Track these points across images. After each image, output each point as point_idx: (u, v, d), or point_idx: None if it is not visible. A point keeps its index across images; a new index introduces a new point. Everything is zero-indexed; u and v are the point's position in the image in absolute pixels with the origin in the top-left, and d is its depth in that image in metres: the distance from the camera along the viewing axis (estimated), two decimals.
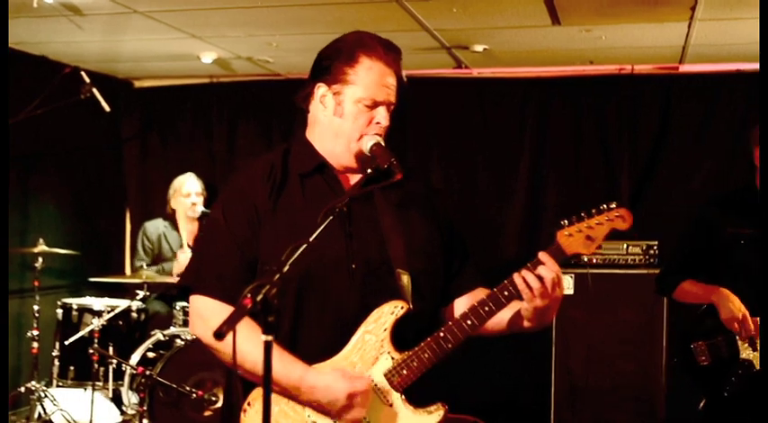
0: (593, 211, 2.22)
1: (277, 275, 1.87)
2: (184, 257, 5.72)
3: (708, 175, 5.57)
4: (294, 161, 2.33)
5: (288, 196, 2.28)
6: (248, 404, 2.21)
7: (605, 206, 2.22)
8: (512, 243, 5.98)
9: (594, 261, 5.17)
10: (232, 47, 5.57)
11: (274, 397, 2.15)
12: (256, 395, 2.19)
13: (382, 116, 2.27)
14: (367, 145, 2.26)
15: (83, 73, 5.09)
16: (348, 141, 2.28)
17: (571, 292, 5.12)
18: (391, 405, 2.21)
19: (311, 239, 1.99)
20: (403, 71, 2.34)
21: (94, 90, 5.13)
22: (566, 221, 2.21)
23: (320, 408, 2.17)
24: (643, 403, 4.97)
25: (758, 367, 3.45)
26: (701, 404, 3.55)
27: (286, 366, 2.14)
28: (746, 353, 3.48)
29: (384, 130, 2.29)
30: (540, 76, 5.99)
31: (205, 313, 2.25)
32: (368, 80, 2.25)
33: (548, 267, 2.15)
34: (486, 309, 2.20)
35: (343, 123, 2.27)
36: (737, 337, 3.48)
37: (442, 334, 2.20)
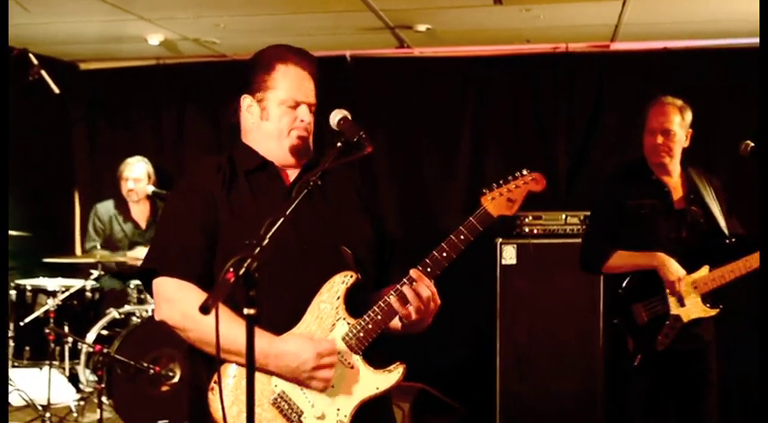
0: (510, 177, 2.45)
1: (257, 249, 1.95)
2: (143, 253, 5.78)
3: (640, 149, 5.81)
4: (239, 161, 2.48)
5: (237, 190, 2.42)
6: (214, 382, 2.27)
7: (520, 173, 2.47)
8: (456, 218, 6.10)
9: (535, 231, 5.38)
10: (180, 28, 5.61)
11: (241, 371, 2.25)
12: (223, 373, 2.27)
13: (305, 113, 2.46)
14: (334, 119, 2.40)
15: (31, 55, 5.09)
16: (280, 139, 2.46)
17: (514, 261, 5.33)
18: (352, 367, 2.32)
19: (287, 213, 2.10)
20: (347, 52, 2.52)
21: (43, 72, 5.14)
22: (487, 189, 2.42)
23: (289, 372, 2.27)
24: (584, 367, 5.21)
25: (685, 321, 3.81)
26: (637, 360, 3.82)
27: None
28: (676, 309, 3.82)
29: (307, 126, 2.47)
30: (479, 55, 6.17)
31: (172, 294, 2.32)
32: (286, 83, 2.44)
33: (422, 284, 2.31)
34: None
35: (271, 125, 2.46)
36: (668, 296, 3.81)
37: (393, 296, 2.33)
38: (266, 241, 2.00)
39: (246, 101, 2.49)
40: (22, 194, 6.24)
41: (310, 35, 5.41)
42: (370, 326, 2.33)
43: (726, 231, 3.90)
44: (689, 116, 3.99)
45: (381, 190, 6.14)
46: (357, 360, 2.33)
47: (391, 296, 2.33)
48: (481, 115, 6.14)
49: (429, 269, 2.34)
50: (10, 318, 5.46)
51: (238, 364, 2.27)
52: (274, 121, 2.46)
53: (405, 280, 2.33)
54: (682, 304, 3.81)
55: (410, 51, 6.25)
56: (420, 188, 6.17)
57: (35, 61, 5.13)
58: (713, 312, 3.83)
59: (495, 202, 2.42)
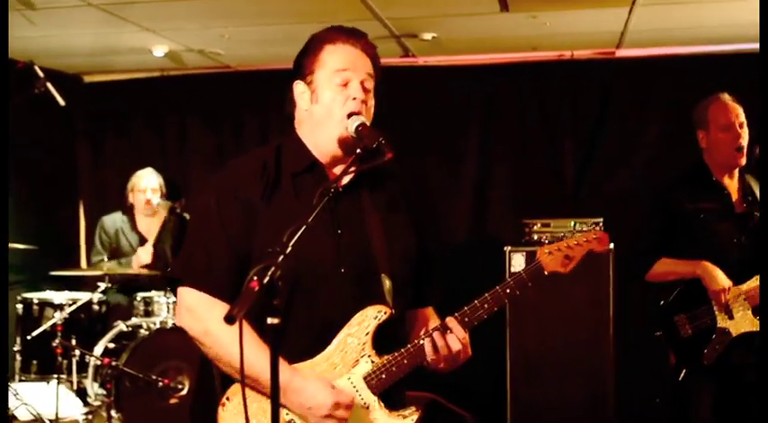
0: (573, 232, 2.38)
1: (281, 257, 1.89)
2: (144, 254, 5.76)
3: (647, 155, 5.82)
4: (286, 159, 2.35)
5: (280, 195, 2.30)
6: (227, 399, 2.22)
7: (586, 229, 2.39)
8: (461, 228, 6.14)
9: (543, 239, 5.36)
10: (184, 39, 5.61)
11: (255, 394, 2.19)
12: (236, 390, 2.20)
13: (356, 89, 2.30)
14: (352, 126, 2.27)
15: (36, 67, 5.07)
16: (332, 124, 2.30)
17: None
18: (368, 407, 2.25)
19: (309, 220, 2.01)
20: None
21: (49, 84, 5.11)
22: (546, 241, 2.36)
23: (301, 411, 2.20)
24: (594, 375, 5.18)
25: (734, 335, 3.60)
26: (681, 375, 3.68)
27: None
28: (723, 322, 3.62)
29: (361, 103, 2.30)
30: (485, 63, 6.16)
31: (194, 306, 2.27)
32: (333, 61, 2.31)
33: (456, 335, 2.25)
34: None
35: (321, 107, 2.31)
36: (714, 308, 3.63)
37: (423, 342, 2.26)
38: (289, 249, 1.92)
39: (299, 87, 2.37)
40: (27, 207, 6.22)
41: None
42: (394, 369, 2.25)
43: None
44: None
45: None
46: (374, 401, 2.26)
47: (422, 342, 2.25)
48: (487, 123, 6.13)
49: (466, 319, 2.28)
50: (17, 332, 5.42)
51: (253, 388, 2.20)
52: (324, 103, 2.31)
53: (439, 326, 2.26)
54: (730, 317, 3.60)
55: (415, 60, 6.25)
56: (426, 198, 6.14)
57: (41, 74, 5.11)
58: None
59: (551, 258, 2.35)
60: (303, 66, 2.36)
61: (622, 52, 5.97)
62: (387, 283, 2.28)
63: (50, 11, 4.83)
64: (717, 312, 3.62)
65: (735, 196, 3.81)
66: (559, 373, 5.21)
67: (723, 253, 3.66)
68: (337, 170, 2.35)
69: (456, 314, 2.27)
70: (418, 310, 2.48)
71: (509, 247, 5.29)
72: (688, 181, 3.89)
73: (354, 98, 2.29)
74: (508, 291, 2.30)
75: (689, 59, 5.81)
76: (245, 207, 2.27)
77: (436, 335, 2.24)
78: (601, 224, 5.34)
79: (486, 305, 2.28)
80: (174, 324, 5.09)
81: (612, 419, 5.09)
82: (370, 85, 2.35)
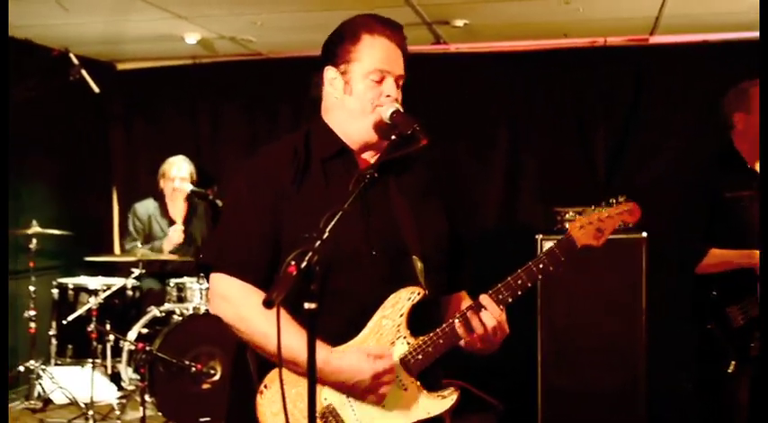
0: (603, 204, 2.30)
1: (318, 242, 1.88)
2: (175, 233, 5.83)
3: (680, 143, 5.76)
4: (315, 145, 2.34)
5: (310, 181, 2.28)
6: (265, 386, 2.21)
7: (614, 200, 2.30)
8: (492, 216, 6.13)
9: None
10: (216, 26, 5.63)
11: (293, 378, 2.18)
12: (273, 377, 2.18)
13: (391, 88, 2.30)
14: (387, 113, 2.27)
15: (72, 55, 5.13)
16: (363, 115, 2.30)
17: None
18: (406, 389, 2.22)
19: (346, 206, 2.00)
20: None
21: (83, 72, 5.17)
22: (576, 214, 2.29)
23: (343, 388, 2.19)
24: (627, 362, 5.15)
25: None
26: (731, 367, 3.60)
27: None
28: None
29: (394, 101, 2.30)
30: (516, 50, 6.12)
31: (228, 293, 2.25)
32: (372, 55, 2.28)
33: (490, 313, 2.20)
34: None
35: (355, 100, 2.30)
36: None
37: (457, 321, 2.23)
38: (326, 235, 1.92)
39: (330, 73, 2.34)
40: (62, 194, 6.31)
41: None
42: (430, 349, 2.22)
43: None
44: None
45: None
46: (411, 383, 2.23)
47: (456, 321, 2.22)
48: (518, 111, 6.10)
49: (500, 296, 2.23)
50: (52, 316, 5.51)
51: (291, 370, 2.18)
52: (358, 96, 2.30)
53: (473, 305, 2.23)
54: None
55: (446, 47, 6.23)
56: (457, 185, 6.13)
57: (76, 61, 5.16)
58: None
59: (583, 231, 2.28)
60: (337, 52, 2.32)
61: (656, 39, 5.90)
62: (419, 265, 2.26)
63: None
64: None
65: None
66: (591, 361, 5.17)
67: (756, 240, 3.54)
68: (366, 156, 2.35)
69: (489, 292, 2.24)
70: (452, 295, 2.46)
71: (540, 236, 5.26)
72: (723, 168, 3.80)
73: (389, 95, 2.30)
74: (541, 266, 2.25)
75: (723, 46, 5.74)
76: (276, 192, 2.26)
77: (470, 313, 2.21)
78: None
79: (519, 281, 2.24)
80: (206, 310, 5.14)
81: (644, 407, 5.06)
82: (401, 81, 2.35)
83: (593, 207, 2.29)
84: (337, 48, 2.33)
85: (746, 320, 3.60)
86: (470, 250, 2.50)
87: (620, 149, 5.92)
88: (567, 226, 2.29)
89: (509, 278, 2.24)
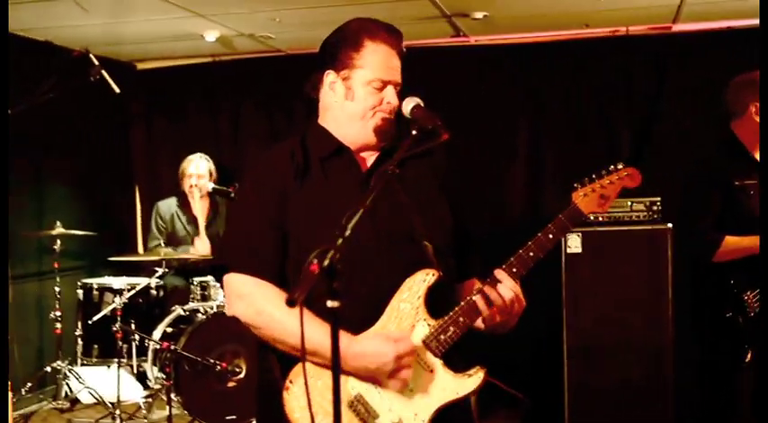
0: (603, 171, 2.33)
1: (340, 240, 1.87)
2: (201, 244, 5.82)
3: (705, 133, 5.67)
4: (312, 146, 2.37)
5: (311, 178, 2.31)
6: (290, 381, 2.20)
7: (614, 167, 2.34)
8: (515, 208, 6.09)
9: (600, 219, 5.28)
10: (235, 24, 5.62)
11: (317, 370, 2.18)
12: (297, 372, 2.18)
13: (391, 95, 2.34)
14: (407, 107, 2.30)
15: (92, 55, 5.13)
16: (364, 120, 2.34)
17: (579, 250, 5.23)
18: (432, 371, 2.22)
19: (368, 203, 2.00)
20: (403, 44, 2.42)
21: (103, 72, 5.16)
22: (578, 184, 2.32)
23: (368, 374, 2.19)
24: (654, 357, 5.09)
25: None
26: (748, 356, 3.58)
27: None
28: None
29: (393, 109, 2.35)
30: (536, 41, 6.07)
31: (243, 290, 2.27)
32: (374, 62, 2.32)
33: (506, 285, 2.23)
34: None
35: (356, 106, 2.34)
36: None
37: (476, 297, 2.24)
38: (348, 232, 1.92)
39: (330, 77, 2.36)
40: (84, 195, 6.34)
41: None
42: (451, 328, 2.22)
43: None
44: None
45: None
46: (437, 363, 2.23)
47: (474, 297, 2.23)
48: (540, 103, 6.05)
49: (514, 269, 2.25)
50: (78, 317, 5.53)
51: (314, 363, 2.18)
52: (359, 102, 2.34)
53: (488, 280, 2.24)
54: None
55: (466, 40, 6.18)
56: (478, 177, 6.09)
57: (96, 62, 5.16)
58: None
59: (587, 199, 2.32)
60: (338, 56, 2.35)
61: (679, 27, 5.82)
62: (429, 247, 2.28)
63: None
64: None
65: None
66: (618, 356, 5.13)
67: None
68: (365, 154, 2.39)
69: (503, 266, 2.26)
70: (464, 282, 2.48)
71: None
72: (728, 157, 3.77)
73: (389, 102, 2.34)
74: (551, 236, 2.27)
75: (749, 32, 5.64)
76: (279, 190, 2.30)
77: (487, 287, 2.23)
78: (659, 204, 5.27)
79: (531, 253, 2.26)
80: None
81: (672, 404, 5.01)
82: (399, 87, 2.39)
83: (593, 176, 2.34)
84: (338, 52, 2.35)
85: (759, 308, 3.58)
86: (479, 244, 2.53)
87: (643, 140, 5.85)
88: (572, 195, 2.33)
89: (520, 251, 2.27)
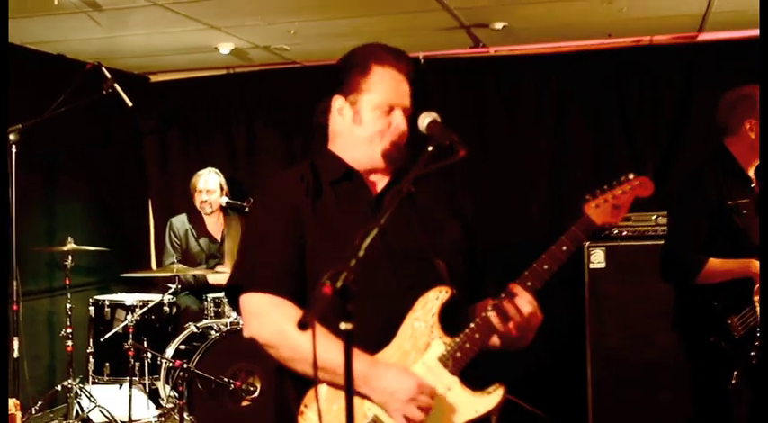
0: (615, 182, 2.31)
1: (354, 261, 1.83)
2: (217, 277, 5.72)
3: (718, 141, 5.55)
4: (322, 170, 2.38)
5: (322, 200, 2.32)
6: (305, 405, 2.19)
7: (626, 177, 2.31)
8: (537, 221, 5.96)
9: (624, 233, 5.15)
10: (250, 36, 5.56)
11: (333, 394, 2.15)
12: (312, 395, 2.18)
13: (399, 119, 2.34)
14: (423, 123, 2.27)
15: (104, 69, 5.08)
16: (372, 144, 2.35)
17: (603, 265, 5.11)
18: (450, 389, 2.18)
19: (382, 221, 1.96)
20: (420, 54, 2.40)
21: (116, 85, 5.13)
22: (590, 195, 2.29)
23: (384, 396, 2.13)
24: (680, 375, 4.94)
25: None
26: (734, 377, 3.46)
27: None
28: None
29: (402, 133, 2.35)
30: (558, 51, 5.96)
31: (260, 309, 2.25)
32: (382, 87, 2.33)
33: (522, 299, 2.18)
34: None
35: (363, 130, 2.35)
36: (757, 308, 3.43)
37: (489, 313, 2.19)
38: (362, 252, 1.86)
39: (338, 102, 2.38)
40: (97, 210, 6.28)
41: (383, 38, 5.27)
42: (467, 345, 2.18)
43: None
44: None
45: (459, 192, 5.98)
46: (454, 382, 2.18)
47: (490, 312, 2.18)
48: (562, 114, 5.92)
49: (529, 283, 2.21)
50: (89, 334, 5.44)
51: (330, 383, 2.15)
52: (367, 127, 2.35)
53: (503, 294, 2.19)
54: None
55: (485, 50, 6.08)
56: (498, 192, 5.97)
57: (108, 75, 5.13)
58: None
59: (599, 210, 2.28)
60: (346, 82, 2.37)
61: (705, 36, 5.69)
62: (442, 265, 2.27)
63: (117, 12, 4.83)
64: (759, 310, 3.43)
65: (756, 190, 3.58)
66: (644, 374, 5.01)
67: (752, 245, 3.44)
68: (374, 178, 2.39)
69: (517, 280, 2.22)
70: (477, 303, 2.44)
71: (588, 243, 5.10)
72: (721, 175, 3.59)
73: (397, 126, 2.35)
74: (564, 248, 2.24)
75: None
76: (292, 208, 2.30)
77: (505, 302, 2.18)
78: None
79: (545, 266, 2.22)
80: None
81: None
82: (408, 111, 2.38)
83: (605, 186, 2.31)
84: (346, 77, 2.37)
85: (745, 330, 3.45)
86: (489, 261, 2.51)
87: (669, 153, 5.71)
88: (584, 207, 2.30)
89: (534, 264, 2.23)
